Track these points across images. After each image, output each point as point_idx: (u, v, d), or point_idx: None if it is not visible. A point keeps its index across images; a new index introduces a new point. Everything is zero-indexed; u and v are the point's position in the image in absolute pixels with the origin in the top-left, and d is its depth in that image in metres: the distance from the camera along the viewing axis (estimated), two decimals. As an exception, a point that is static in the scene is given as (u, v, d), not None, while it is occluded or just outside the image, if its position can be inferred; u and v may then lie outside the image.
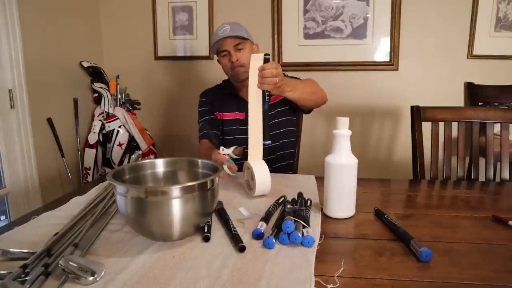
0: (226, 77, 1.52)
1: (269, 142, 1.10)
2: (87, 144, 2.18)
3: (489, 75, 2.15)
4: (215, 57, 1.50)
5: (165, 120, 2.49)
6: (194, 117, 1.59)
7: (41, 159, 1.87)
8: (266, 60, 1.05)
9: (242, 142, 1.42)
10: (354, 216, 0.88)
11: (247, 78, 1.40)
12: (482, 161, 1.40)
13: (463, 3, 2.10)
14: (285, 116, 1.46)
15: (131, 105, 2.31)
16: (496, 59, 2.13)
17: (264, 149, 1.44)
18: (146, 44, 2.41)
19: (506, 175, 1.34)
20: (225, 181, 1.15)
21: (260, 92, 1.06)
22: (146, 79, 2.46)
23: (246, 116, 1.40)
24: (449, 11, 2.12)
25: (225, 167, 1.07)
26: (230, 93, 1.49)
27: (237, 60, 1.38)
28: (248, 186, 1.05)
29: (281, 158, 1.48)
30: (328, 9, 2.19)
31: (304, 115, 1.64)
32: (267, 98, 1.06)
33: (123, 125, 2.20)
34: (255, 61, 1.05)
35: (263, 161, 1.06)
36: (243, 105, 1.43)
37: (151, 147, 2.28)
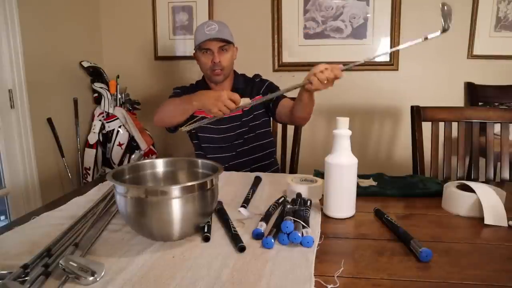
0: (198, 79, 1.56)
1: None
2: (87, 144, 2.18)
3: (489, 75, 2.15)
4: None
5: (165, 120, 2.49)
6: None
7: (41, 159, 1.87)
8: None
9: (214, 140, 1.48)
10: (354, 216, 0.88)
11: (223, 81, 1.44)
12: (482, 161, 1.40)
13: (463, 3, 2.10)
14: (261, 118, 1.50)
15: (131, 105, 2.31)
16: (496, 59, 2.14)
17: (246, 151, 1.50)
18: (146, 44, 2.41)
19: (506, 175, 1.33)
20: (225, 180, 1.14)
21: None
22: (146, 79, 2.45)
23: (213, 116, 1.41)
24: (449, 11, 2.12)
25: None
26: None
27: (219, 61, 1.37)
28: None
29: (263, 158, 1.52)
30: (328, 9, 2.19)
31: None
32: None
33: (123, 125, 2.20)
34: None
35: None
36: None
37: (151, 147, 2.28)
